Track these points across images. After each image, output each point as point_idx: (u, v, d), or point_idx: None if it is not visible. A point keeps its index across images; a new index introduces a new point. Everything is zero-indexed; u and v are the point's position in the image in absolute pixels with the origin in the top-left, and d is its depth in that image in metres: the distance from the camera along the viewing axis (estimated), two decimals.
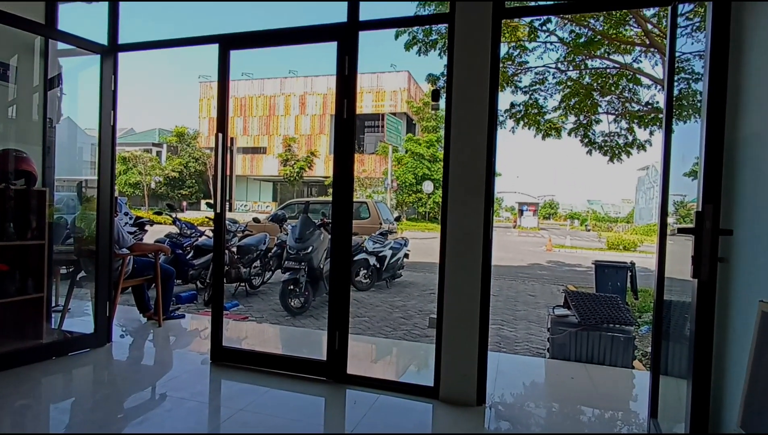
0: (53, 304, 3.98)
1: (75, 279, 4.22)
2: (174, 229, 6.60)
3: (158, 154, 35.61)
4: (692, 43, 2.92)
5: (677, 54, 2.59)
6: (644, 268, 8.50)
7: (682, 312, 2.57)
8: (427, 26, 7.99)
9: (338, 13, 3.07)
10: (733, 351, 1.76)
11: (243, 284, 6.69)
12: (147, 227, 6.32)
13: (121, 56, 3.63)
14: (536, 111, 8.89)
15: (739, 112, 1.83)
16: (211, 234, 6.35)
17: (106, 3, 3.64)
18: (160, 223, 9.19)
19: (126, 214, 5.87)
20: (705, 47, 1.79)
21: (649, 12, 7.07)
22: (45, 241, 3.35)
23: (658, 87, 7.92)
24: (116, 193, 3.80)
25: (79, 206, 4.45)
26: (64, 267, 4.49)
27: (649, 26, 7.23)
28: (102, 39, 3.54)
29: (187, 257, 6.14)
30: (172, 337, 4.04)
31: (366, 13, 2.98)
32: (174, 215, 6.83)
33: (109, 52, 3.55)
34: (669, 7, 2.57)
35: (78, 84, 4.24)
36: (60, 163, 3.86)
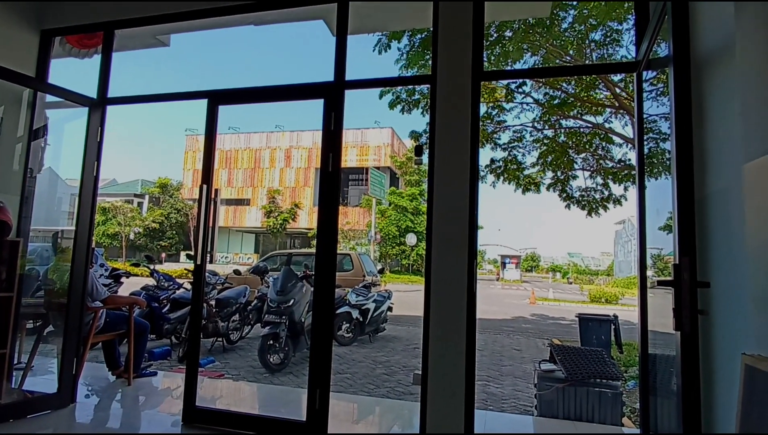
0: (15, 361, 3.74)
1: (42, 334, 4.01)
2: (151, 282, 6.42)
3: (139, 204, 35.23)
4: (657, 106, 3.12)
5: (645, 116, 2.75)
6: (627, 321, 8.51)
7: (667, 366, 2.55)
8: (410, 86, 8.38)
9: (325, 71, 3.21)
10: (721, 405, 1.74)
11: (220, 339, 6.44)
12: (123, 279, 6.14)
13: (109, 107, 3.68)
14: (515, 167, 9.21)
15: (707, 169, 1.93)
16: (189, 286, 6.19)
17: (98, 57, 3.74)
18: (138, 275, 8.94)
19: (102, 265, 5.72)
20: (670, 110, 1.91)
21: (616, 77, 7.58)
22: (14, 293, 3.20)
23: (629, 145, 8.34)
24: (93, 244, 3.71)
25: (53, 257, 4.32)
26: (32, 321, 4.28)
27: (617, 90, 7.72)
28: (90, 90, 3.60)
29: (164, 311, 5.93)
30: (141, 397, 3.81)
31: (352, 72, 3.13)
32: (152, 267, 6.66)
33: (98, 105, 3.60)
34: (635, 74, 2.77)
35: (63, 135, 4.26)
36: (37, 213, 3.78)
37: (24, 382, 3.71)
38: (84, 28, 3.78)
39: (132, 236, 30.88)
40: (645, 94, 2.88)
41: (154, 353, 5.48)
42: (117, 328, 4.15)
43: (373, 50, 7.31)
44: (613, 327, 5.64)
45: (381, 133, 30.11)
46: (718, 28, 1.86)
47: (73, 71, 4.12)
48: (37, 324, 4.17)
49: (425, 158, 3.51)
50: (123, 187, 38.46)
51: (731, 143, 1.73)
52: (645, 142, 2.78)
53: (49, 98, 3.80)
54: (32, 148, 3.69)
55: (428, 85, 2.98)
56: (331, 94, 3.09)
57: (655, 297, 2.47)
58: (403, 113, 8.59)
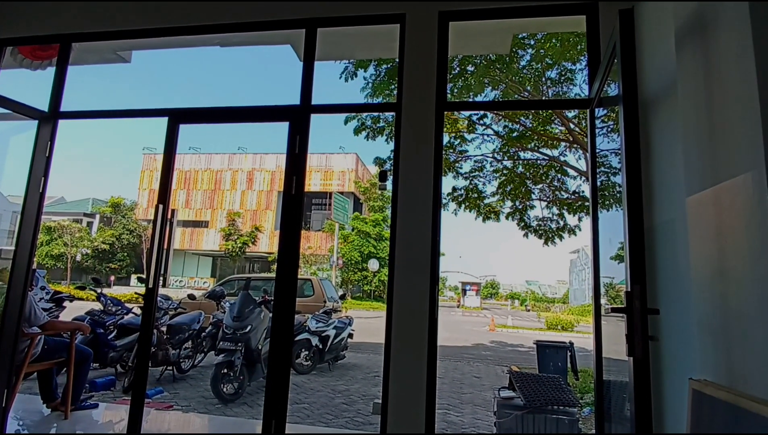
0: None
1: None
2: (98, 306, 6.03)
3: (89, 224, 33.43)
4: (608, 142, 3.31)
5: (597, 151, 2.91)
6: (582, 348, 8.74)
7: (621, 392, 2.62)
8: (375, 114, 8.52)
9: (291, 95, 3.22)
10: (671, 429, 1.80)
11: (170, 368, 6.09)
12: (66, 303, 5.73)
13: (61, 122, 3.52)
14: (476, 195, 9.47)
15: (654, 202, 2.05)
16: (139, 311, 5.86)
17: (52, 69, 3.59)
18: (83, 299, 8.40)
19: (43, 288, 5.33)
20: (620, 146, 2.03)
21: (571, 113, 8.02)
22: None
23: (583, 178, 8.77)
24: (34, 265, 3.46)
25: None
26: None
27: (572, 125, 8.17)
28: (41, 103, 3.44)
29: (109, 337, 5.57)
30: (79, 431, 3.51)
31: (318, 97, 3.15)
32: (99, 290, 6.28)
33: (49, 118, 3.44)
34: (588, 111, 2.94)
35: (8, 148, 4.02)
36: None
37: None
38: (39, 39, 3.64)
39: (79, 257, 29.14)
40: (597, 130, 3.05)
41: (97, 383, 5.10)
42: (56, 356, 3.84)
43: (340, 77, 7.42)
44: (569, 354, 5.77)
45: (345, 159, 30.28)
46: (662, 68, 2.01)
47: (24, 83, 3.93)
48: None
49: (389, 184, 3.54)
50: (72, 206, 36.46)
51: (676, 177, 1.85)
52: (598, 175, 2.92)
53: None
54: None
55: (393, 113, 3.04)
56: (297, 117, 3.09)
57: (609, 324, 2.55)
58: (368, 139, 8.69)
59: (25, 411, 3.84)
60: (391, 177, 2.96)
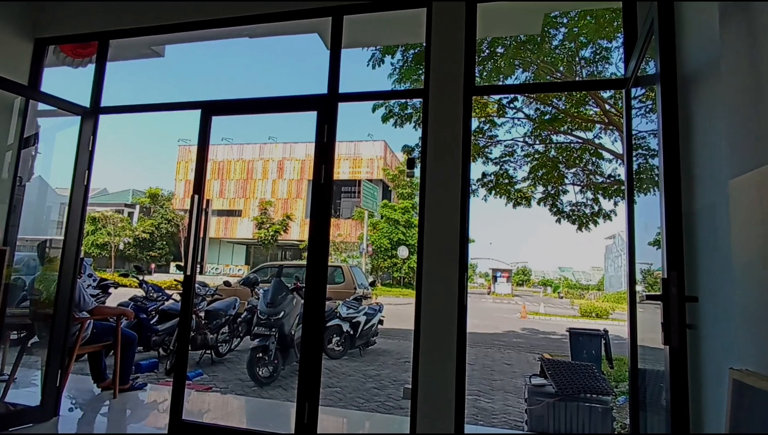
0: None
1: (26, 345, 3.92)
2: (140, 292, 6.33)
3: (130, 214, 34.90)
4: (646, 123, 3.17)
5: (634, 132, 2.80)
6: (617, 336, 8.53)
7: (657, 381, 2.56)
8: (402, 100, 8.46)
9: (318, 84, 3.24)
10: (709, 420, 1.75)
11: (209, 351, 6.35)
12: (111, 290, 6.04)
13: (101, 117, 3.67)
14: (506, 181, 9.30)
15: (694, 185, 1.97)
16: (178, 297, 6.11)
17: (92, 66, 3.74)
18: (126, 286, 8.82)
19: (90, 275, 5.63)
20: (657, 127, 1.95)
21: (606, 94, 7.72)
22: None
23: (619, 161, 8.46)
24: (82, 254, 3.66)
25: (39, 267, 4.25)
26: (16, 332, 4.19)
27: (607, 106, 7.87)
28: (83, 99, 3.59)
29: (152, 322, 5.84)
30: (127, 410, 3.73)
31: (345, 85, 3.15)
32: (141, 277, 6.57)
33: (91, 114, 3.59)
34: (623, 91, 2.83)
35: (55, 143, 4.23)
36: (26, 222, 3.73)
37: (6, 394, 3.62)
38: (79, 38, 3.79)
39: (121, 246, 30.52)
40: (634, 111, 2.93)
41: (142, 365, 5.39)
42: (104, 340, 4.08)
43: (367, 65, 7.39)
44: (603, 342, 5.66)
45: (374, 146, 30.26)
46: (704, 45, 1.91)
47: (67, 80, 4.11)
48: (22, 335, 4.08)
49: (417, 171, 3.53)
50: (114, 197, 38.11)
51: (718, 159, 1.77)
52: (634, 158, 2.82)
53: (42, 106, 3.78)
54: (22, 157, 3.66)
55: (421, 99, 3.02)
56: (325, 107, 3.11)
57: (645, 312, 2.49)
58: (395, 127, 8.65)
59: (77, 390, 4.10)
60: (419, 164, 2.95)
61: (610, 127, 8.21)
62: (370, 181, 28.75)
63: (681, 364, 1.60)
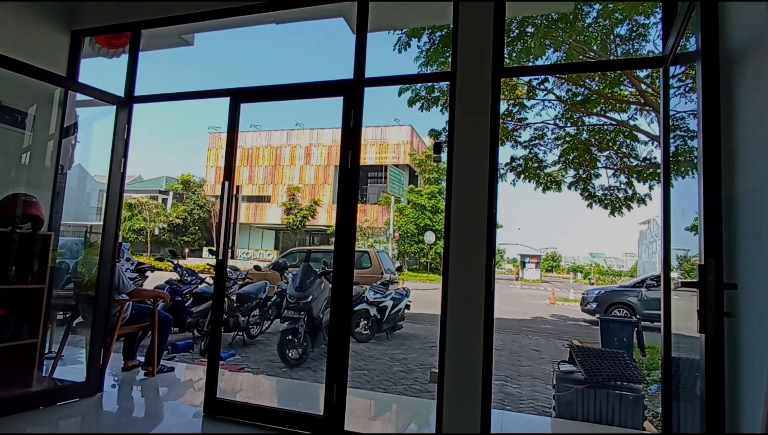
0: (46, 351, 3.89)
1: (71, 325, 4.15)
2: (175, 276, 6.56)
3: (164, 201, 36.06)
4: (686, 103, 3.03)
5: (673, 113, 2.69)
6: (650, 323, 8.33)
7: (692, 369, 2.49)
8: (429, 83, 8.34)
9: (345, 69, 3.23)
10: (746, 411, 1.69)
11: (240, 333, 6.55)
12: (148, 273, 6.28)
13: (135, 105, 3.78)
14: (536, 165, 9.09)
15: (735, 168, 1.87)
16: (211, 281, 6.31)
17: (126, 56, 3.85)
18: (162, 270, 9.14)
19: (128, 259, 5.86)
20: (697, 107, 1.86)
21: (642, 73, 7.39)
22: (45, 285, 3.33)
23: (655, 143, 8.13)
24: (120, 239, 3.82)
25: (82, 251, 4.47)
26: (62, 312, 4.43)
27: (643, 86, 7.54)
28: (117, 89, 3.70)
29: (186, 304, 6.07)
30: (164, 388, 3.91)
31: (371, 70, 3.13)
32: (175, 262, 6.81)
33: (125, 103, 3.70)
34: (661, 69, 2.70)
35: (92, 132, 4.39)
36: (68, 208, 3.91)
37: (54, 371, 3.85)
38: (112, 29, 3.89)
39: (157, 232, 31.65)
40: (672, 91, 2.80)
41: (178, 346, 5.62)
42: (142, 321, 4.27)
43: (393, 49, 7.31)
44: (635, 329, 5.53)
45: (400, 131, 30.07)
46: (749, 21, 1.80)
47: (102, 70, 4.25)
48: (67, 315, 4.32)
49: (444, 156, 3.49)
50: (148, 184, 39.39)
51: (762, 141, 1.68)
52: (672, 140, 2.71)
53: (79, 97, 3.92)
54: (63, 146, 3.82)
55: (448, 82, 2.97)
56: (351, 92, 3.10)
57: (680, 299, 2.41)
58: (422, 111, 8.56)
59: (119, 368, 4.31)
60: (446, 148, 2.91)
61: (647, 107, 7.88)
62: (397, 166, 28.65)
63: (717, 353, 1.55)
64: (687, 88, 2.98)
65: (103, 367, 3.60)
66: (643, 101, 7.74)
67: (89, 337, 3.54)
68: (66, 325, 4.15)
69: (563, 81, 8.10)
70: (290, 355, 5.46)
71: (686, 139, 3.10)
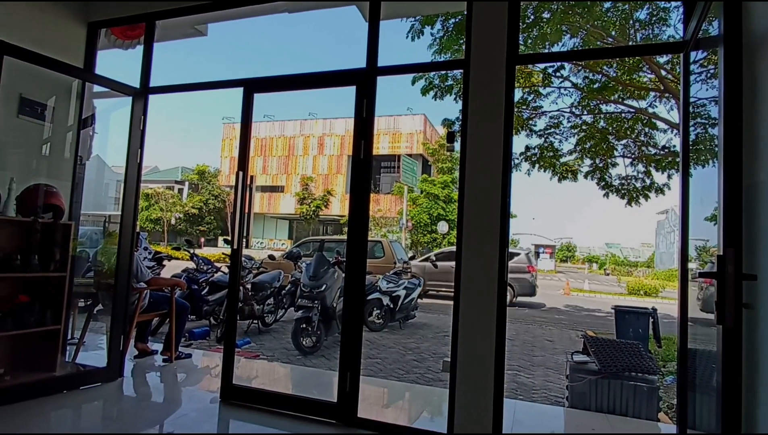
0: (69, 337, 4.01)
1: (92, 312, 4.26)
2: (191, 265, 6.68)
3: (180, 191, 36.55)
4: (707, 89, 2.95)
5: (693, 100, 2.62)
6: (667, 315, 8.21)
7: (708, 361, 2.46)
8: (443, 72, 8.25)
9: (358, 58, 3.21)
10: (764, 404, 1.67)
11: (255, 321, 6.65)
12: (165, 262, 6.40)
13: (150, 96, 3.82)
14: (551, 154, 8.95)
15: (757, 157, 1.82)
16: (226, 270, 6.40)
17: (141, 48, 3.88)
18: (178, 259, 9.29)
19: (145, 248, 5.97)
20: (719, 93, 1.81)
21: (662, 59, 7.20)
22: (67, 273, 3.43)
23: (675, 131, 7.94)
24: (137, 229, 3.89)
25: (101, 240, 4.57)
26: (82, 299, 4.55)
27: (663, 72, 7.34)
28: (133, 80, 3.75)
29: (203, 293, 6.17)
30: (182, 374, 4.00)
31: (384, 59, 3.11)
32: (192, 251, 6.93)
33: (141, 94, 3.74)
34: (681, 55, 2.63)
35: (109, 124, 4.46)
36: (87, 198, 4.00)
37: (77, 356, 3.97)
38: (127, 20, 3.92)
39: (173, 221, 32.15)
40: (693, 77, 2.73)
41: (195, 333, 5.74)
42: (159, 308, 4.37)
43: (406, 37, 7.23)
44: (651, 320, 5.46)
45: (413, 120, 29.88)
46: None
47: (118, 62, 4.30)
48: (88, 303, 4.43)
49: (457, 145, 3.45)
50: (164, 174, 39.95)
51: None
52: (692, 128, 2.65)
53: (96, 88, 3.98)
54: (81, 137, 3.89)
55: (461, 70, 2.93)
56: (363, 81, 3.09)
57: (699, 290, 2.37)
58: (435, 99, 8.47)
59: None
60: (459, 137, 2.89)
61: (666, 94, 7.68)
62: (410, 156, 28.51)
63: (735, 344, 1.53)
64: (708, 74, 2.90)
65: (123, 353, 3.70)
66: (662, 88, 7.55)
67: (109, 324, 3.63)
68: (87, 312, 4.27)
69: (580, 68, 7.93)
70: (304, 343, 5.53)
71: (707, 126, 3.03)
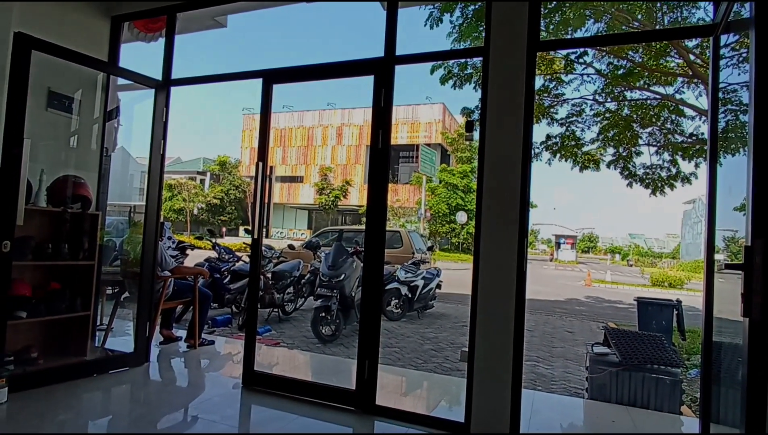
0: (98, 323, 4.15)
1: (119, 299, 4.40)
2: (213, 254, 6.82)
3: (201, 181, 37.19)
4: (738, 74, 2.84)
5: (723, 85, 2.53)
6: (692, 307, 8.03)
7: (734, 355, 2.40)
8: (462, 60, 8.14)
9: (376, 47, 3.19)
10: None
11: (276, 310, 6.77)
12: (188, 251, 6.55)
13: (172, 88, 3.88)
14: (573, 143, 8.77)
15: None
16: (247, 259, 6.52)
17: (162, 40, 3.94)
18: (201, 248, 9.48)
19: (169, 238, 6.12)
20: (749, 78, 1.74)
21: (691, 43, 6.94)
22: (95, 262, 3.54)
23: (703, 118, 7.67)
24: (162, 219, 3.99)
25: (127, 230, 4.70)
26: (110, 287, 4.70)
27: (692, 57, 7.08)
28: (155, 72, 3.81)
29: (224, 281, 6.30)
30: (206, 360, 4.11)
31: (403, 48, 3.08)
32: (214, 240, 7.06)
33: (163, 86, 3.81)
34: (711, 38, 2.53)
35: (133, 116, 4.56)
36: (112, 189, 4.11)
37: (105, 342, 4.12)
38: (149, 13, 3.98)
39: (195, 211, 32.77)
40: (724, 61, 2.63)
41: (217, 320, 5.88)
42: (183, 296, 4.48)
43: (425, 25, 7.15)
44: (675, 312, 5.35)
45: (432, 109, 29.63)
46: None
47: (141, 55, 4.37)
48: (115, 290, 4.58)
49: (477, 135, 3.41)
50: (187, 165, 40.66)
51: None
52: (722, 115, 2.56)
53: (120, 81, 4.06)
54: (107, 129, 3.99)
55: (481, 58, 2.89)
56: (381, 70, 3.08)
57: (726, 282, 2.31)
58: (454, 88, 8.37)
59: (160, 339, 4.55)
60: (478, 126, 2.86)
61: (695, 80, 7.42)
62: (428, 145, 28.34)
63: (761, 337, 1.49)
64: (740, 59, 2.79)
65: (149, 339, 3.81)
66: (691, 73, 7.29)
67: (135, 311, 3.75)
68: (114, 300, 4.41)
69: (604, 53, 7.71)
70: (323, 331, 5.61)
71: (738, 113, 2.92)
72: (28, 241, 3.22)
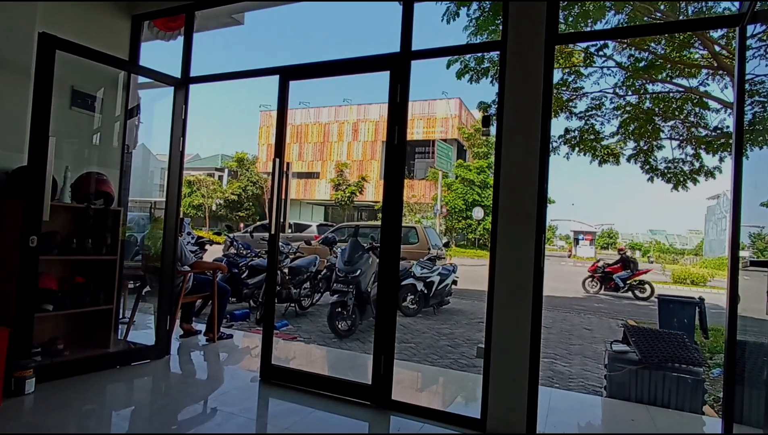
0: (120, 316, 4.26)
1: (141, 293, 4.50)
2: (231, 249, 6.91)
3: (220, 178, 37.66)
4: (766, 65, 2.75)
5: (750, 77, 2.46)
6: (716, 305, 7.83)
7: (759, 354, 2.34)
8: (478, 54, 8.05)
9: (391, 42, 3.18)
10: None
11: (293, 305, 6.84)
12: (207, 247, 6.66)
13: (191, 86, 3.94)
14: (593, 137, 8.62)
15: None
16: (265, 255, 6.60)
17: (181, 39, 3.99)
18: (219, 243, 9.62)
19: (189, 233, 6.23)
20: None
21: (716, 33, 6.74)
22: (117, 256, 3.63)
23: (728, 111, 7.45)
24: (181, 214, 4.06)
25: (148, 225, 4.79)
26: (132, 281, 4.82)
27: (717, 48, 6.87)
28: (174, 70, 3.87)
29: (242, 276, 6.39)
30: (224, 354, 4.18)
31: (419, 43, 3.07)
32: (232, 235, 7.16)
33: (182, 84, 3.86)
34: (737, 29, 2.46)
35: (153, 114, 4.65)
36: (134, 185, 4.20)
37: (128, 335, 4.22)
38: (168, 12, 4.04)
39: (214, 207, 33.25)
40: (751, 52, 2.55)
41: (235, 315, 5.97)
42: (202, 291, 4.56)
43: (441, 20, 7.08)
44: (698, 310, 5.22)
45: (448, 104, 29.40)
46: None
47: (160, 53, 4.45)
48: (137, 284, 4.69)
49: (493, 129, 3.38)
50: (205, 162, 41.23)
51: None
52: (749, 107, 2.49)
53: (141, 79, 4.14)
54: (128, 127, 4.08)
55: (498, 52, 2.86)
56: (397, 66, 3.07)
57: (751, 279, 2.25)
58: (471, 83, 8.29)
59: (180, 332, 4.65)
60: (495, 121, 2.83)
61: (720, 72, 7.20)
62: (445, 141, 28.15)
63: None
64: None
65: (170, 333, 3.90)
66: (716, 65, 7.07)
67: (156, 304, 3.83)
68: (136, 294, 4.51)
69: (625, 46, 7.54)
70: (339, 326, 5.64)
71: (765, 105, 2.83)
72: (53, 237, 3.32)
